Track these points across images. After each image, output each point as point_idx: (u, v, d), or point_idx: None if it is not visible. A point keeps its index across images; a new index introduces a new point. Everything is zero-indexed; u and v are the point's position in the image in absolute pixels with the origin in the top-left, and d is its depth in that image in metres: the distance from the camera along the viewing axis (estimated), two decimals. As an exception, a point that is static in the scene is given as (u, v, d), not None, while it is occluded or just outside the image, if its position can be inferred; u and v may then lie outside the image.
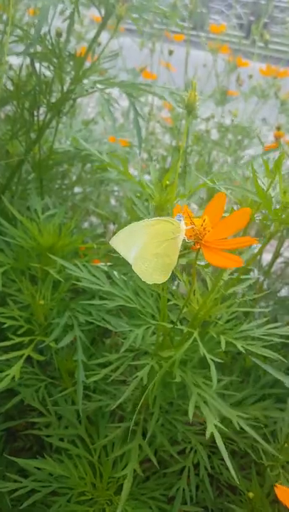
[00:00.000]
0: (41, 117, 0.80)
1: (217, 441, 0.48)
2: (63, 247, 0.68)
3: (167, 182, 0.56)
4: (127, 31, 1.49)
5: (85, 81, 0.76)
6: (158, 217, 0.46)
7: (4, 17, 0.77)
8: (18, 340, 0.59)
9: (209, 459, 0.63)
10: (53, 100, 0.79)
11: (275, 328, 0.54)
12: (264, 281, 0.99)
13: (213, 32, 1.59)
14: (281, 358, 0.52)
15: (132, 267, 0.47)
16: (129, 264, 0.48)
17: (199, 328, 0.51)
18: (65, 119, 1.01)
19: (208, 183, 0.54)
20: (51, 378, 0.67)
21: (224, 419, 0.52)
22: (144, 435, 0.57)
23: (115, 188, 1.18)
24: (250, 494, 0.59)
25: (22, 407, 0.69)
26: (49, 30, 0.74)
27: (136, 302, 0.57)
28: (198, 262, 0.49)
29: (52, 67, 0.75)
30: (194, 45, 1.48)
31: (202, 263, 0.51)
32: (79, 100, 1.32)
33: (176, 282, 0.77)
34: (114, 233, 0.48)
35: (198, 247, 0.45)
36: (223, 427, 0.50)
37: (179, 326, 0.52)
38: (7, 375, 0.56)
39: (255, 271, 0.95)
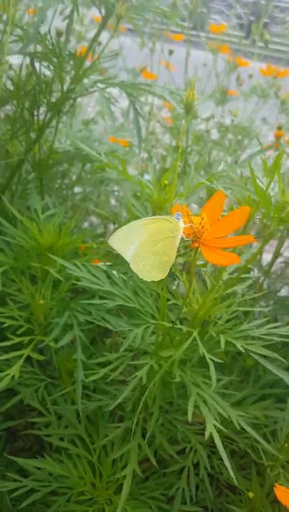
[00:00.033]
0: (41, 117, 0.80)
1: (216, 441, 0.48)
2: (63, 246, 0.68)
3: (166, 182, 0.56)
4: (128, 31, 1.49)
5: (85, 80, 0.76)
6: (156, 216, 0.46)
7: (4, 17, 0.77)
8: (17, 340, 0.59)
9: (209, 458, 0.63)
10: (53, 100, 0.79)
11: (275, 327, 0.54)
12: (264, 281, 0.99)
13: (213, 32, 1.59)
14: (281, 358, 0.52)
15: (130, 265, 0.47)
16: (127, 262, 0.48)
17: (199, 327, 0.51)
18: (65, 118, 1.01)
19: (206, 183, 0.54)
20: (51, 378, 0.67)
21: (224, 419, 0.52)
22: (143, 435, 0.57)
23: (115, 188, 1.18)
24: (250, 494, 0.58)
25: (22, 407, 0.69)
26: (49, 30, 0.74)
27: (135, 302, 0.57)
28: (196, 261, 0.49)
29: (52, 67, 0.75)
30: (194, 44, 1.48)
31: (201, 262, 0.51)
32: (79, 100, 1.32)
33: (176, 282, 0.77)
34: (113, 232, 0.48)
35: (197, 245, 0.45)
36: (222, 427, 0.50)
37: (179, 326, 0.52)
38: (7, 375, 0.56)
39: (255, 270, 0.95)
